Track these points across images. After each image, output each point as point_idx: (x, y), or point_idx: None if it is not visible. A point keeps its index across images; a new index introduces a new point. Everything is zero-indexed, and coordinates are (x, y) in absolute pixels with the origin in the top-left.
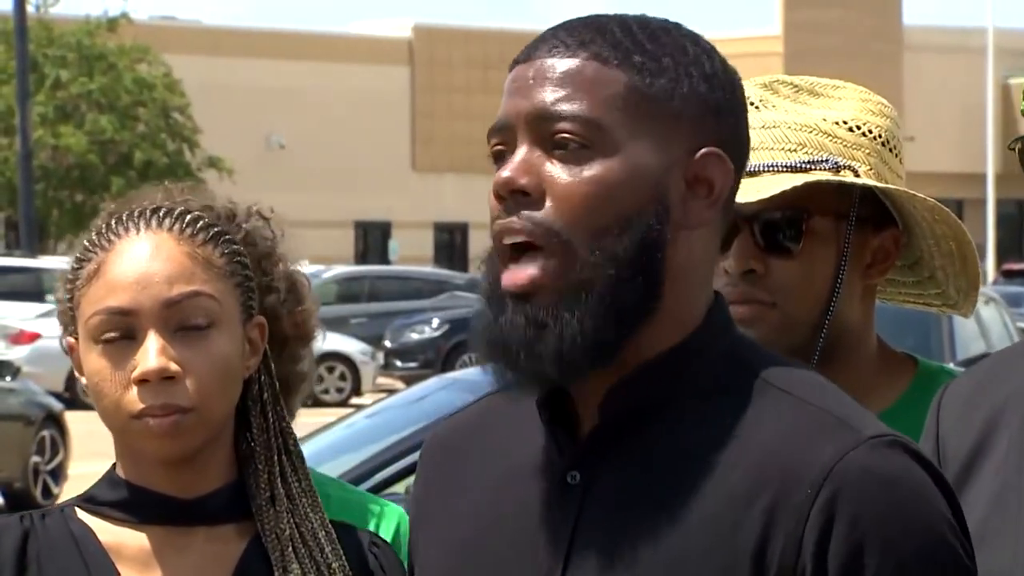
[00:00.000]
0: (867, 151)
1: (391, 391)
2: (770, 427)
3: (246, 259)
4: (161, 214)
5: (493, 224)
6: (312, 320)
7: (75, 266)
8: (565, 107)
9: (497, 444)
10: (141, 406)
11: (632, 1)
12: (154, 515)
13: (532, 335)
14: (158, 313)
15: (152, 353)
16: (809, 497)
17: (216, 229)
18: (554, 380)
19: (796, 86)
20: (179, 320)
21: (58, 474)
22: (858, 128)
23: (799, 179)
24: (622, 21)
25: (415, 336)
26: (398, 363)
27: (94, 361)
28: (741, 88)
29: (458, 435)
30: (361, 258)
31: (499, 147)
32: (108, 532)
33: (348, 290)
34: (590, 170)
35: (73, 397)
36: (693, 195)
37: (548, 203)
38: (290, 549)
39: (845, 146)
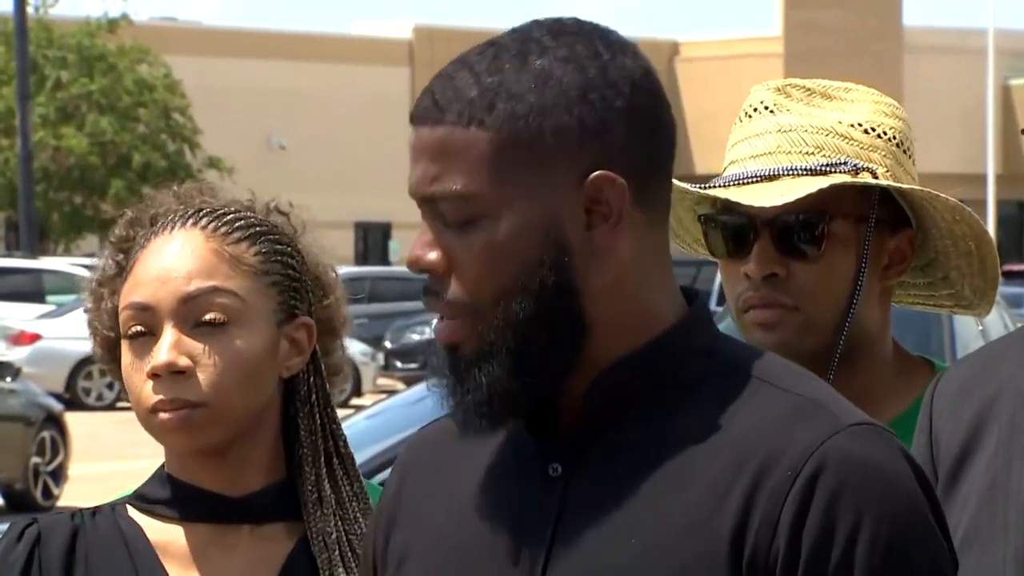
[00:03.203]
0: (883, 153)
1: (391, 392)
2: (749, 415)
3: (292, 259)
4: (200, 213)
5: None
6: (339, 313)
7: (122, 264)
8: (439, 188)
9: (478, 443)
10: (154, 400)
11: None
12: (200, 512)
13: (454, 386)
14: (175, 308)
15: (163, 348)
16: (789, 479)
17: (256, 228)
18: (479, 428)
19: (808, 89)
20: (197, 315)
21: (58, 475)
22: (873, 130)
23: (823, 182)
24: (486, 57)
25: (416, 337)
26: (398, 364)
27: (124, 355)
28: (635, 84)
29: (438, 438)
30: (362, 259)
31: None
32: (157, 530)
33: (348, 291)
34: (480, 239)
35: (73, 398)
36: (598, 219)
37: (453, 277)
38: (336, 552)
39: (862, 148)
